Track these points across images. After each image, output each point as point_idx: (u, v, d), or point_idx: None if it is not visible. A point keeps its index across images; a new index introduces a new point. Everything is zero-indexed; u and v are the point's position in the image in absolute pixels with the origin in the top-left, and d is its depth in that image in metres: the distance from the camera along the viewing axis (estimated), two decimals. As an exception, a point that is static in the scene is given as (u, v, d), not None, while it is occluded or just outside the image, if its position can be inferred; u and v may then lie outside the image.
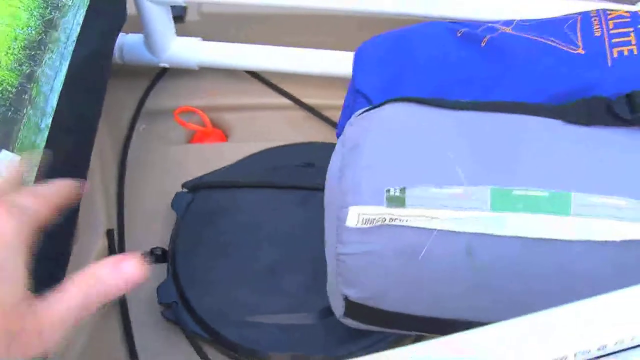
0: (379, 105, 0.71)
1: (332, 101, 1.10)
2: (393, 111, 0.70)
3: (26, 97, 0.79)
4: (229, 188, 0.99)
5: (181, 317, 0.88)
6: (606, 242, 0.62)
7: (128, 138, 1.11)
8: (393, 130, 0.68)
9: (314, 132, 1.12)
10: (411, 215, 0.63)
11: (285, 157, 1.03)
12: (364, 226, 0.64)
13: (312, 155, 1.00)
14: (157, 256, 0.96)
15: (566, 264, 0.63)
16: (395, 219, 0.63)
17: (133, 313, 0.92)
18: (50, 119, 0.80)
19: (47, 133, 0.79)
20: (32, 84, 0.80)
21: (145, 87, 1.19)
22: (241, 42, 1.15)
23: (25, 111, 0.78)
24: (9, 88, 0.77)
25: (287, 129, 1.13)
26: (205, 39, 1.17)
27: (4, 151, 0.74)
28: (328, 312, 0.79)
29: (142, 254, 0.92)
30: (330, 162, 0.71)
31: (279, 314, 0.86)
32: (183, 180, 1.01)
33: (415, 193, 0.63)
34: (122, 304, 0.92)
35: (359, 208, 0.64)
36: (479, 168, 0.64)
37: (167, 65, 1.17)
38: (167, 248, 0.96)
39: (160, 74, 1.20)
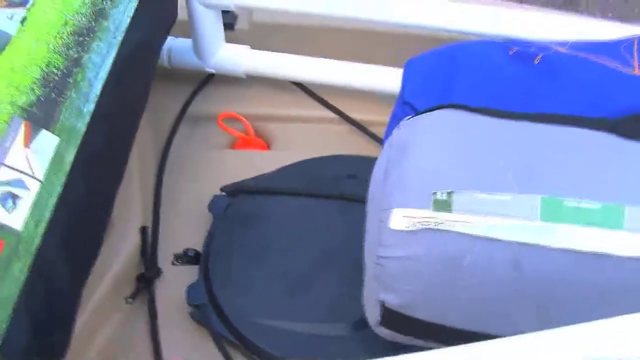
0: (429, 110, 0.69)
1: (379, 117, 1.08)
2: (444, 116, 0.68)
3: (71, 80, 0.78)
4: (268, 194, 0.97)
5: (209, 319, 0.86)
6: None
7: (170, 140, 1.10)
8: (442, 134, 0.66)
9: (359, 147, 1.10)
10: (457, 221, 0.61)
11: (327, 167, 1.01)
12: (408, 229, 0.61)
13: (355, 168, 0.98)
14: (189, 257, 0.95)
15: (617, 280, 0.60)
16: (441, 223, 0.60)
17: (161, 311, 0.90)
18: (93, 105, 0.80)
19: (88, 118, 0.79)
20: (77, 69, 0.79)
21: (191, 91, 1.17)
22: (289, 53, 1.14)
23: (68, 94, 0.78)
24: (55, 70, 0.77)
25: (331, 142, 1.11)
26: (254, 47, 1.15)
27: (43, 131, 0.73)
28: (362, 324, 0.77)
29: (174, 254, 0.93)
30: (376, 164, 0.69)
31: (310, 322, 0.83)
32: (222, 184, 1.00)
33: (463, 198, 0.61)
34: (150, 302, 0.90)
35: (404, 210, 0.62)
36: (529, 177, 0.62)
37: (213, 72, 1.16)
38: (200, 250, 0.93)
39: (207, 80, 1.19)
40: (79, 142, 0.77)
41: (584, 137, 0.65)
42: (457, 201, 0.61)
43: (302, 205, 0.96)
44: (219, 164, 1.07)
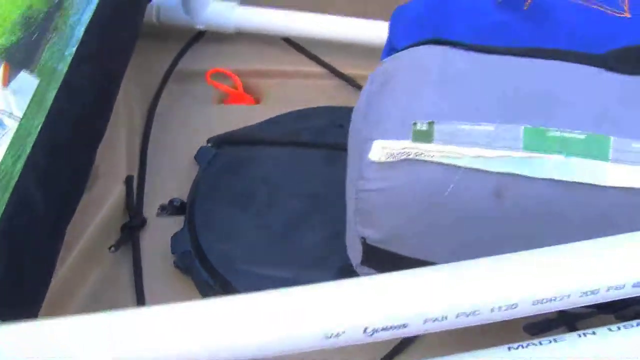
0: (412, 46, 0.68)
1: (369, 71, 1.06)
2: (426, 51, 0.67)
3: (53, 23, 0.78)
4: (255, 144, 0.96)
5: (193, 266, 0.85)
6: None
7: (158, 95, 1.09)
8: (424, 67, 0.65)
9: (349, 101, 1.06)
10: (438, 151, 0.59)
11: (315, 118, 1.00)
12: (388, 160, 0.60)
13: (343, 118, 0.96)
14: (175, 208, 0.94)
15: (601, 211, 0.59)
16: (421, 154, 0.59)
17: (145, 261, 0.89)
18: (74, 48, 0.79)
19: (69, 60, 0.78)
20: (59, 12, 0.79)
21: (180, 48, 1.16)
22: (278, 8, 1.12)
23: (50, 37, 0.77)
24: (36, 13, 0.76)
25: (321, 97, 1.09)
26: (242, 3, 1.14)
27: (23, 72, 0.73)
28: (347, 270, 0.75)
29: (160, 204, 0.92)
30: (358, 100, 0.68)
31: (295, 269, 0.82)
32: (210, 137, 0.98)
33: (444, 128, 0.60)
34: (134, 252, 0.89)
35: (384, 142, 0.61)
36: (513, 108, 0.61)
37: (202, 28, 1.15)
38: (186, 200, 0.93)
39: (196, 38, 1.18)
40: (60, 82, 0.76)
41: (569, 70, 0.64)
42: (437, 132, 0.60)
43: (289, 155, 0.95)
44: (207, 118, 1.06)
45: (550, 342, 0.56)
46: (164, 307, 0.46)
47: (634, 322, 0.58)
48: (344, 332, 0.45)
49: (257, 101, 1.13)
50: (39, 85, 0.74)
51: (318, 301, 0.46)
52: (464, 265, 0.48)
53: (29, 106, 0.72)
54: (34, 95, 0.73)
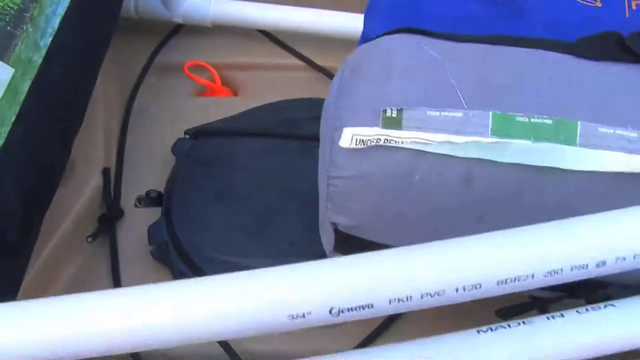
0: (382, 35, 0.68)
1: (347, 64, 1.07)
2: (399, 39, 0.68)
3: (27, 15, 0.78)
4: (231, 136, 0.96)
5: (170, 257, 0.85)
6: (615, 174, 0.59)
7: (136, 87, 1.09)
8: (395, 55, 0.66)
9: (326, 94, 1.08)
10: (407, 137, 0.60)
11: (292, 110, 1.00)
12: (358, 147, 0.61)
13: (319, 110, 0.97)
14: (152, 199, 0.94)
15: (570, 194, 0.59)
16: (391, 140, 0.60)
17: (122, 252, 0.89)
18: (50, 39, 0.79)
19: (45, 52, 0.78)
20: (35, 4, 0.79)
21: (158, 42, 1.16)
22: (255, 2, 1.13)
23: (25, 28, 0.77)
24: (11, 4, 0.76)
25: (299, 89, 1.09)
26: (219, -4, 1.15)
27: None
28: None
29: (137, 196, 0.92)
30: (329, 90, 0.68)
31: (271, 259, 0.82)
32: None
33: (413, 115, 0.60)
34: (112, 243, 0.89)
35: (354, 129, 0.62)
36: (482, 95, 0.61)
37: (180, 21, 1.15)
38: (163, 192, 0.93)
39: (174, 31, 1.18)
40: (35, 73, 0.76)
41: (538, 57, 0.64)
42: (407, 118, 0.60)
43: (265, 146, 0.95)
44: (185, 111, 1.06)
45: (519, 324, 0.56)
46: (132, 288, 0.46)
47: (602, 305, 0.59)
48: (309, 313, 0.45)
49: (235, 94, 1.14)
50: (13, 76, 0.74)
51: (283, 282, 0.46)
52: (427, 247, 0.48)
53: (3, 96, 0.72)
54: (9, 86, 0.73)
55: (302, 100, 1.01)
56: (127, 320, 0.45)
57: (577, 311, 0.58)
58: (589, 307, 0.59)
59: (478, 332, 0.56)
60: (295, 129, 0.96)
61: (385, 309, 0.46)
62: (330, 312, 0.45)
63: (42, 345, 0.44)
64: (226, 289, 0.46)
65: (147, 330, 0.45)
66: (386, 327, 0.81)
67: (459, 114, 0.60)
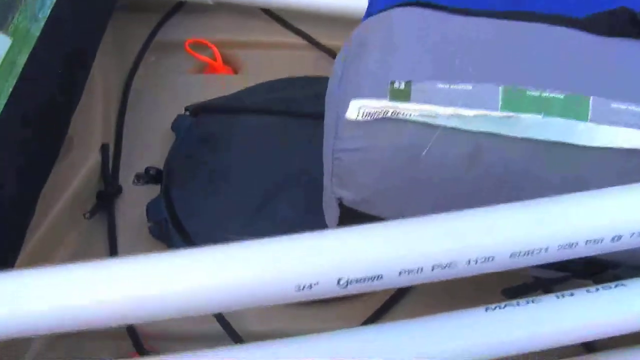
0: (389, 8, 0.67)
1: (350, 43, 1.05)
2: (405, 13, 0.66)
3: None
4: (233, 113, 0.95)
5: (168, 234, 0.84)
6: (628, 151, 0.57)
7: (136, 63, 1.07)
8: (403, 28, 0.64)
9: (328, 73, 1.07)
10: (415, 110, 0.58)
11: (294, 87, 0.98)
12: (364, 119, 0.59)
13: (323, 88, 0.95)
14: (151, 176, 0.93)
15: (578, 172, 0.58)
16: (398, 112, 0.58)
17: (120, 229, 0.88)
18: (49, 11, 0.78)
19: (42, 24, 0.76)
20: None
21: (159, 19, 1.15)
22: (258, -22, 1.11)
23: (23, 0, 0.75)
24: None
25: (301, 68, 1.08)
26: (222, -27, 1.13)
27: None
28: None
29: (136, 174, 0.91)
30: (335, 63, 0.67)
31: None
32: None
33: (421, 87, 0.59)
34: (110, 219, 0.88)
35: (361, 101, 0.60)
36: (491, 68, 0.60)
37: (181, -3, 1.13)
38: (162, 169, 0.91)
39: (176, 9, 1.16)
40: (32, 46, 0.74)
41: (548, 31, 0.63)
42: (415, 91, 0.59)
43: (266, 124, 0.94)
44: (186, 88, 1.05)
45: (528, 302, 0.55)
46: (138, 257, 0.45)
47: (612, 284, 0.57)
48: (317, 284, 0.44)
49: (235, 72, 1.12)
50: (11, 47, 0.73)
51: (290, 252, 0.45)
52: (439, 217, 0.47)
53: (0, 66, 0.70)
54: (5, 57, 0.72)
55: (304, 78, 1.00)
56: (138, 288, 0.43)
57: (587, 290, 0.57)
58: (599, 286, 0.57)
59: (486, 309, 0.55)
60: (298, 106, 0.94)
61: (394, 280, 0.45)
62: (338, 283, 0.44)
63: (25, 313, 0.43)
64: (231, 258, 0.44)
65: (151, 301, 0.43)
66: (390, 306, 0.79)
67: (468, 86, 0.59)
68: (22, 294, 0.43)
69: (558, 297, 0.56)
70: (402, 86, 0.59)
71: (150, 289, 0.43)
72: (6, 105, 0.69)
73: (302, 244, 0.45)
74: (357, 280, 0.44)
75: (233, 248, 0.45)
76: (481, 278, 0.74)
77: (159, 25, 1.14)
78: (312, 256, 0.44)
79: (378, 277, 0.44)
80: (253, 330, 0.78)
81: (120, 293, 0.43)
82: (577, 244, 0.46)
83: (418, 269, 0.45)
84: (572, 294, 0.56)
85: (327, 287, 0.44)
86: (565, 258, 0.48)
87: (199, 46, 1.10)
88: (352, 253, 0.44)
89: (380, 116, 0.59)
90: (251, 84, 1.02)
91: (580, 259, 0.60)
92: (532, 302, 0.56)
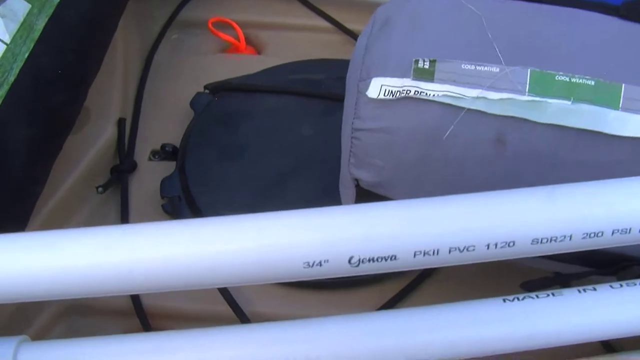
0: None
1: (375, 28, 1.03)
2: (432, -9, 0.64)
3: None
4: (251, 92, 0.93)
5: (181, 212, 0.82)
6: None
7: (158, 40, 1.06)
8: (430, 6, 0.62)
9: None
10: (439, 91, 0.56)
11: (315, 69, 0.97)
12: (386, 98, 0.57)
13: (344, 71, 0.93)
14: (167, 153, 0.91)
15: (608, 160, 0.56)
16: (421, 92, 0.56)
17: (133, 204, 0.86)
18: None
19: None
20: None
21: None
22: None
23: None
24: None
25: (325, 51, 1.06)
26: (250, -48, 1.11)
27: None
28: None
29: (151, 149, 0.89)
30: (357, 41, 0.65)
31: None
32: None
33: (446, 67, 0.57)
34: (123, 194, 0.86)
35: (383, 79, 0.58)
36: (520, 51, 0.57)
37: (205, -24, 1.11)
38: (178, 146, 0.90)
39: None
40: (51, 12, 0.73)
41: (581, 16, 0.61)
42: (440, 70, 0.57)
43: (285, 104, 0.92)
44: (207, 67, 1.03)
45: (548, 295, 0.53)
46: (144, 225, 0.43)
47: (637, 281, 0.55)
48: (327, 261, 0.42)
49: (259, 53, 1.11)
50: (29, 12, 0.71)
51: (299, 226, 0.42)
52: (460, 198, 0.45)
53: (17, 31, 0.69)
54: (24, 21, 0.70)
55: (327, 60, 0.98)
56: (143, 255, 0.42)
57: (610, 286, 0.54)
58: (623, 282, 0.55)
59: (504, 300, 0.52)
60: (317, 88, 0.92)
61: (409, 262, 0.43)
62: (349, 261, 0.42)
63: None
64: (236, 229, 0.42)
65: (155, 270, 0.42)
66: (404, 295, 0.77)
67: (495, 69, 0.56)
68: (26, 256, 0.41)
69: (580, 292, 0.54)
70: (427, 65, 0.57)
71: (155, 258, 0.42)
72: (22, 68, 0.67)
73: (313, 218, 0.43)
74: (370, 260, 0.42)
75: (240, 220, 0.43)
76: (501, 272, 0.72)
77: (183, 2, 1.12)
78: (323, 231, 0.42)
79: (392, 257, 0.42)
80: (262, 312, 0.77)
81: (124, 258, 0.41)
82: (602, 233, 0.44)
83: (434, 250, 0.42)
84: (594, 289, 0.54)
85: (337, 266, 0.42)
86: (590, 248, 0.45)
87: (223, 25, 1.08)
88: (365, 230, 0.42)
89: (402, 95, 0.57)
90: (273, 64, 1.00)
91: (606, 253, 0.57)
92: (552, 295, 0.53)
